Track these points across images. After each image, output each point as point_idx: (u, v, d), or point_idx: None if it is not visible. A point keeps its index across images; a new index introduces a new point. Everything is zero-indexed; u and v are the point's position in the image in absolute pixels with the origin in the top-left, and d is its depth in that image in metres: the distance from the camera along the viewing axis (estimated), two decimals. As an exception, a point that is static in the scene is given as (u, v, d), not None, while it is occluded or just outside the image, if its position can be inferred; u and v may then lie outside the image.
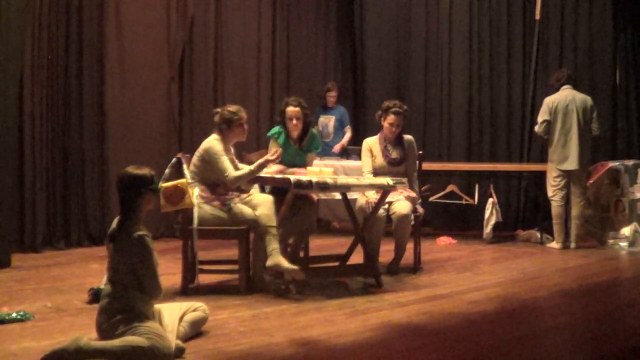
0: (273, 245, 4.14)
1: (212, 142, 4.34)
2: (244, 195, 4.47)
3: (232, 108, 4.46)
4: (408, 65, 8.30)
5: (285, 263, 4.09)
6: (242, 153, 5.02)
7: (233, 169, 4.35)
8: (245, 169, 4.40)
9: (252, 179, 4.43)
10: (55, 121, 6.00)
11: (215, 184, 4.35)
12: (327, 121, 7.45)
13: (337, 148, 7.34)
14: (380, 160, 5.13)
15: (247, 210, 4.29)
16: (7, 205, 5.11)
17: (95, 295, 3.82)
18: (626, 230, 6.46)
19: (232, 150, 4.56)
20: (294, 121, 4.78)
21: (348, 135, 7.52)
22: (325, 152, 7.22)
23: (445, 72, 7.98)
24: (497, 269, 5.40)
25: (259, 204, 4.27)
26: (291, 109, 4.78)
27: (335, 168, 5.85)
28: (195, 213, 4.18)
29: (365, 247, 4.69)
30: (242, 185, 4.75)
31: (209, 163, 4.31)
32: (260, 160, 4.35)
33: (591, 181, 6.64)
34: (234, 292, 4.22)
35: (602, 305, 4.24)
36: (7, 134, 5.10)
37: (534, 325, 3.71)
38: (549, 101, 6.46)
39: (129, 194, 3.01)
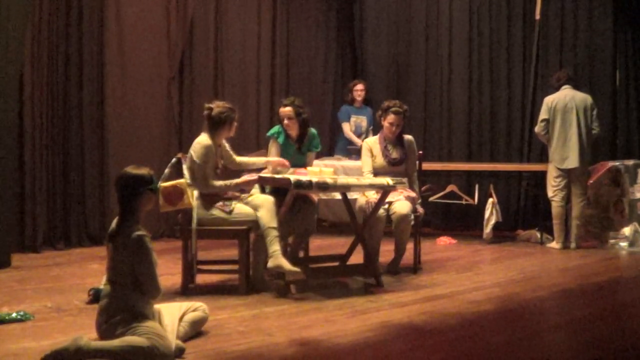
0: (274, 247, 4.13)
1: (201, 149, 4.27)
2: (244, 195, 4.47)
3: (227, 104, 4.46)
4: (408, 65, 8.30)
5: (287, 265, 4.09)
6: (241, 153, 5.02)
7: (212, 176, 4.32)
8: (224, 182, 4.35)
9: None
10: (55, 121, 6.01)
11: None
12: (360, 122, 7.41)
13: None
14: (380, 160, 5.13)
15: (248, 210, 4.29)
16: (7, 205, 5.11)
17: (95, 295, 3.82)
18: (626, 230, 6.46)
19: (227, 144, 4.57)
20: (286, 121, 4.78)
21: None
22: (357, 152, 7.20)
23: (445, 72, 7.98)
24: (497, 269, 5.40)
25: (260, 205, 4.28)
26: (282, 110, 4.80)
27: (335, 168, 5.84)
28: (195, 213, 4.18)
29: (365, 247, 4.69)
30: (244, 186, 4.73)
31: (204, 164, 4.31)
32: (239, 181, 4.38)
33: (591, 181, 6.64)
34: (234, 292, 4.22)
35: (602, 305, 4.24)
36: (7, 134, 5.10)
37: (534, 325, 3.71)
38: (549, 100, 6.46)
39: (128, 194, 3.01)
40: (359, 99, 7.40)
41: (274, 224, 4.20)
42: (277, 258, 4.10)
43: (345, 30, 8.75)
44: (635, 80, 7.32)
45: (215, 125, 4.37)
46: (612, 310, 4.14)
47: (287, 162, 4.71)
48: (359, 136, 7.34)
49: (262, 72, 7.73)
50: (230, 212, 4.26)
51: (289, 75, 8.08)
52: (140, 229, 2.97)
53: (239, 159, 4.66)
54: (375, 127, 7.58)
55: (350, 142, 7.29)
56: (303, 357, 3.04)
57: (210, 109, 4.40)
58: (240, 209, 4.29)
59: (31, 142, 5.78)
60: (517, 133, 7.65)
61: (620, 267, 5.71)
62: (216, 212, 4.25)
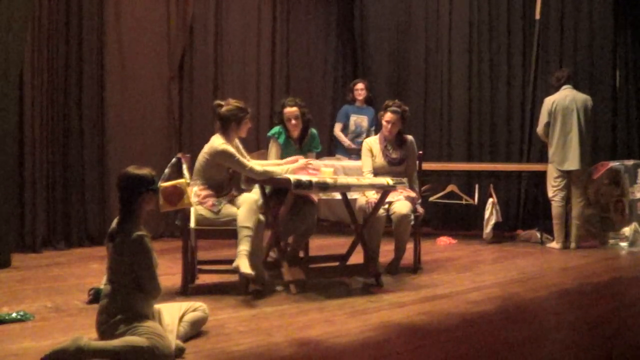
0: (242, 246, 4.06)
1: (221, 145, 4.29)
2: (234, 193, 4.43)
3: (239, 104, 4.43)
4: (408, 65, 8.31)
5: (245, 267, 3.97)
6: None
7: (249, 162, 4.37)
8: (276, 168, 4.42)
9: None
10: (55, 121, 6.01)
11: (220, 184, 4.35)
12: (361, 121, 7.36)
13: None
14: (380, 160, 5.14)
15: (233, 210, 4.25)
16: (7, 205, 5.11)
17: (95, 295, 3.82)
18: (626, 230, 6.47)
19: (238, 143, 4.55)
20: (293, 121, 4.78)
21: None
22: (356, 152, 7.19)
23: (445, 72, 7.98)
24: (497, 269, 5.40)
25: (241, 203, 4.24)
26: (289, 110, 4.78)
27: (335, 168, 5.84)
28: (193, 213, 4.17)
29: (365, 247, 4.70)
30: (246, 185, 4.71)
31: (217, 164, 4.30)
32: (294, 166, 4.43)
33: (592, 180, 6.64)
34: (234, 292, 4.22)
35: (602, 305, 4.24)
36: (7, 135, 5.09)
37: (534, 325, 3.71)
38: (548, 102, 6.46)
39: (129, 194, 3.01)
40: (359, 98, 7.37)
41: (249, 223, 4.12)
42: (240, 258, 4.02)
43: (346, 30, 8.75)
44: (635, 80, 7.31)
45: (223, 123, 4.37)
46: (612, 310, 4.14)
47: (308, 161, 4.62)
48: (359, 135, 7.33)
49: (262, 72, 7.73)
50: (218, 212, 4.23)
51: (289, 75, 8.08)
52: (141, 229, 2.98)
53: (259, 167, 4.48)
54: (377, 127, 7.58)
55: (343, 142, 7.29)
56: (303, 357, 3.04)
57: (220, 105, 4.40)
58: (227, 209, 4.25)
59: (31, 142, 5.78)
60: (517, 133, 7.64)
61: (620, 267, 5.71)
62: (205, 213, 4.22)
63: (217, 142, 4.32)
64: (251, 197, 4.29)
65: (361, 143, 7.19)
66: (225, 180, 4.38)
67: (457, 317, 3.78)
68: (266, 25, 7.77)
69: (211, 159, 4.30)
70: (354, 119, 7.38)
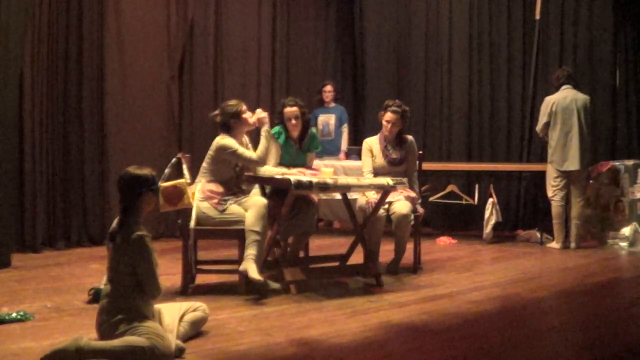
0: (250, 251, 4.09)
1: (222, 140, 4.36)
2: (241, 196, 4.44)
3: (231, 102, 4.51)
4: (408, 65, 8.31)
5: (254, 272, 4.01)
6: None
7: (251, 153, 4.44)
8: (259, 146, 4.46)
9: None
10: (55, 121, 6.01)
11: (226, 182, 4.36)
12: (328, 120, 7.44)
13: (343, 156, 7.32)
14: (380, 160, 5.14)
15: (239, 211, 4.25)
16: (7, 205, 5.10)
17: (95, 295, 3.82)
18: (626, 230, 6.46)
19: (247, 140, 4.61)
20: (293, 121, 4.79)
21: (345, 136, 7.51)
22: (328, 152, 7.21)
23: (445, 72, 7.98)
24: (497, 269, 5.40)
25: (250, 207, 4.25)
26: (289, 109, 4.79)
27: (336, 168, 5.85)
28: (194, 213, 4.18)
29: (365, 247, 4.69)
30: (246, 185, 4.71)
31: (222, 160, 4.34)
32: (263, 132, 4.48)
33: (591, 180, 6.64)
34: (234, 292, 4.22)
35: (602, 305, 4.24)
36: (7, 134, 5.09)
37: (534, 325, 3.71)
38: (548, 102, 6.46)
39: (130, 194, 3.01)
40: (327, 100, 7.49)
41: (258, 227, 4.13)
42: (248, 262, 4.05)
43: (345, 30, 8.75)
44: (635, 80, 7.31)
45: (223, 127, 4.44)
46: (612, 310, 4.14)
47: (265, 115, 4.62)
48: (327, 135, 7.39)
49: (262, 72, 7.73)
50: (222, 212, 4.24)
51: (289, 75, 8.08)
52: (141, 229, 2.98)
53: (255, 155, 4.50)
54: (350, 125, 7.62)
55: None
56: (303, 357, 3.05)
57: (215, 115, 4.49)
58: (232, 209, 4.26)
59: (31, 142, 5.78)
60: (517, 133, 7.64)
61: (620, 267, 5.71)
62: (209, 211, 4.23)
63: (218, 137, 4.42)
64: (261, 201, 4.29)
65: (329, 143, 7.28)
66: (232, 178, 4.39)
67: (457, 317, 3.78)
68: (266, 26, 7.77)
69: (215, 155, 4.36)
70: (321, 119, 7.46)
